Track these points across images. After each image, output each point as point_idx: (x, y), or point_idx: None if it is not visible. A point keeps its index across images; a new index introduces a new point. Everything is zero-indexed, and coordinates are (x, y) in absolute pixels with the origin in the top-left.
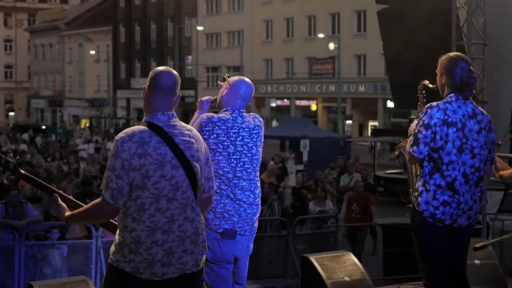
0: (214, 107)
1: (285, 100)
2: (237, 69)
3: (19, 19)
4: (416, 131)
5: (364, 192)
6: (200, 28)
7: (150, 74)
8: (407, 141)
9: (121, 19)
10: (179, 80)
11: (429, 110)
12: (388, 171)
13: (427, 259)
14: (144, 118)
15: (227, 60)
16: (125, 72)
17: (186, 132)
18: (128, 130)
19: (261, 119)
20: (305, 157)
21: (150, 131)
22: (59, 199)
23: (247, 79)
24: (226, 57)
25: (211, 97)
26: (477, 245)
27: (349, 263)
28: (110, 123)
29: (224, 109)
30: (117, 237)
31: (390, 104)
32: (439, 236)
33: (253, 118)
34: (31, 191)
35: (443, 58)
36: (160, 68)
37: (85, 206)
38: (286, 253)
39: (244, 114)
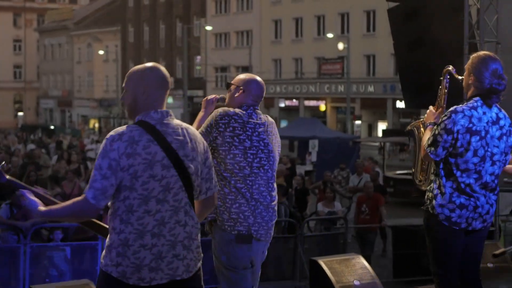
0: (219, 106)
1: (294, 100)
2: (246, 69)
3: (28, 19)
4: (437, 132)
5: (373, 193)
6: (208, 28)
7: (145, 70)
8: (421, 121)
9: (130, 19)
10: None
11: (453, 115)
12: (398, 172)
13: (441, 263)
14: (137, 117)
15: (236, 60)
16: None
17: (181, 131)
18: (119, 128)
19: (272, 119)
20: (314, 158)
21: (141, 129)
22: (31, 194)
23: (257, 78)
24: (235, 57)
25: (217, 96)
26: (496, 252)
27: (359, 267)
28: (119, 123)
29: (239, 106)
30: (107, 239)
31: (399, 104)
32: (455, 240)
33: (266, 116)
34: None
35: (474, 56)
36: (154, 64)
37: (65, 203)
38: (295, 255)
39: (258, 111)
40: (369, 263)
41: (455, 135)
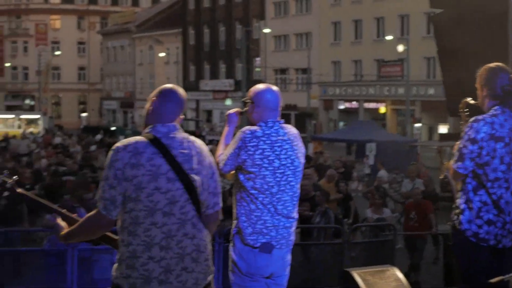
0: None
1: (354, 102)
2: (305, 72)
3: (92, 22)
4: (462, 145)
5: (422, 199)
6: (267, 30)
7: (162, 89)
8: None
9: (190, 22)
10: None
11: (474, 124)
12: None
13: (469, 282)
14: (144, 131)
15: (295, 62)
16: (194, 74)
17: (187, 144)
18: (124, 140)
19: (295, 130)
20: (371, 161)
21: (147, 141)
22: (58, 218)
23: (271, 87)
24: (294, 59)
25: (240, 110)
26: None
27: (393, 279)
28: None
29: (263, 122)
30: (118, 252)
31: None
32: (482, 257)
33: (290, 128)
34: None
35: (481, 70)
36: (170, 85)
37: (79, 221)
38: (341, 262)
39: (284, 125)
40: (419, 271)
41: (480, 143)
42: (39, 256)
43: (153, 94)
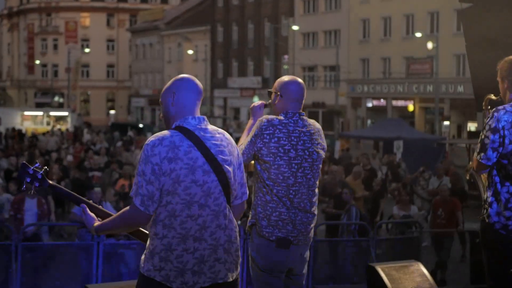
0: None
1: (382, 100)
2: (333, 69)
3: (121, 19)
4: (483, 136)
5: (450, 197)
6: (295, 28)
7: (174, 80)
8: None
9: (219, 19)
10: None
11: (495, 114)
12: None
13: (497, 275)
14: (174, 123)
15: (323, 59)
16: (223, 71)
17: (218, 135)
18: (158, 134)
19: (319, 125)
20: (398, 159)
21: (181, 134)
22: (87, 209)
23: (296, 79)
24: (322, 56)
25: (264, 102)
26: None
27: (418, 274)
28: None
29: (284, 112)
30: (148, 244)
31: None
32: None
33: (313, 122)
34: None
35: (501, 64)
36: (184, 75)
37: (115, 214)
38: (367, 259)
39: (304, 117)
40: (445, 269)
41: (502, 132)
42: (68, 250)
43: (169, 86)
